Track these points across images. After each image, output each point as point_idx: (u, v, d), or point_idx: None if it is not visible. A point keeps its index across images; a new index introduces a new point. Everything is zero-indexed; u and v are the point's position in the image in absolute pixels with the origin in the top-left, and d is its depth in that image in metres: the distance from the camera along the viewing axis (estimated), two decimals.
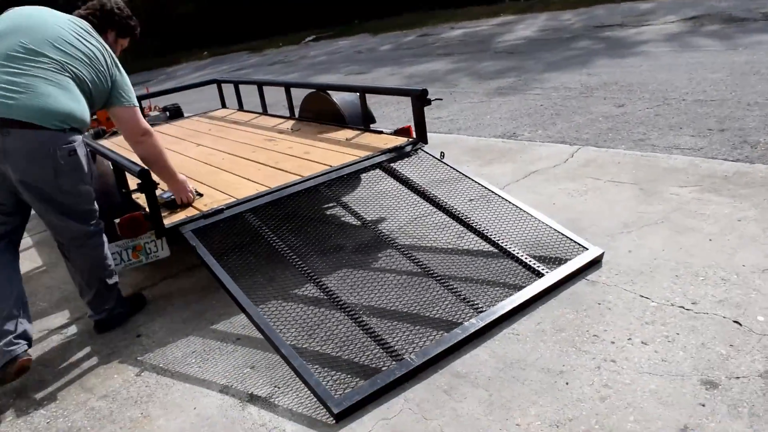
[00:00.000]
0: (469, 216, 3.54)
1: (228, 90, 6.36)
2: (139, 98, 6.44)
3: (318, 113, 5.08)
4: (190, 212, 3.38)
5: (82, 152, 2.97)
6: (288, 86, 5.35)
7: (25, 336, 2.83)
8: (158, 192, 3.15)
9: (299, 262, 3.12)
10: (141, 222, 3.28)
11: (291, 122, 5.26)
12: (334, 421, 2.33)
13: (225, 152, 4.59)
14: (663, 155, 4.52)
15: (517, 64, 8.99)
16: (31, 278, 4.16)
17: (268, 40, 17.72)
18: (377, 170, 3.88)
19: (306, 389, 2.47)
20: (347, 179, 3.87)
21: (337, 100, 4.82)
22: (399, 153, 3.96)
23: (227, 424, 2.41)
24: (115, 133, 6.28)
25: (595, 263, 3.15)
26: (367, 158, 3.88)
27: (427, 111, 6.08)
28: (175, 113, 7.25)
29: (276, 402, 2.50)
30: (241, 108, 6.29)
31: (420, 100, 3.93)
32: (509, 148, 5.21)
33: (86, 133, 3.29)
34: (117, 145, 5.35)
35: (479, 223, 3.52)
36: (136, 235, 3.33)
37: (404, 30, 15.22)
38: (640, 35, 9.56)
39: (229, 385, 2.66)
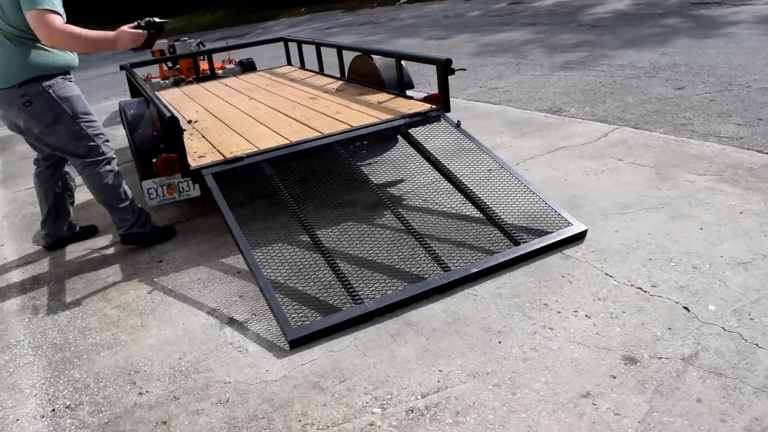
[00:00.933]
0: (468, 185, 3.70)
1: (307, 48, 6.63)
2: (217, 50, 6.96)
3: (362, 75, 5.32)
4: (214, 158, 3.76)
5: (41, 100, 3.42)
6: (339, 48, 5.59)
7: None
8: None
9: (297, 210, 3.43)
10: (175, 162, 3.69)
11: (339, 83, 5.52)
12: (288, 347, 2.65)
13: (269, 107, 4.94)
14: (696, 142, 4.43)
15: (595, 39, 8.76)
16: (90, 205, 4.73)
17: None
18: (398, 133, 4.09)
19: (275, 319, 2.80)
20: (363, 140, 4.12)
21: (379, 65, 5.03)
22: (418, 119, 4.15)
23: (203, 338, 2.80)
24: (201, 79, 6.81)
25: (576, 239, 3.25)
26: (386, 121, 4.10)
27: (486, 80, 6.27)
28: (248, 67, 7.71)
29: (249, 327, 2.85)
30: (302, 66, 6.62)
31: (444, 69, 4.07)
32: (548, 123, 5.24)
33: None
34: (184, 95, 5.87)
35: (477, 192, 3.68)
36: (170, 174, 3.76)
37: None
38: (735, 15, 9.01)
39: (216, 309, 3.04)
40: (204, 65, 7.45)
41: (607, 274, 2.90)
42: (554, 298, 2.76)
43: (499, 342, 2.52)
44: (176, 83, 7.17)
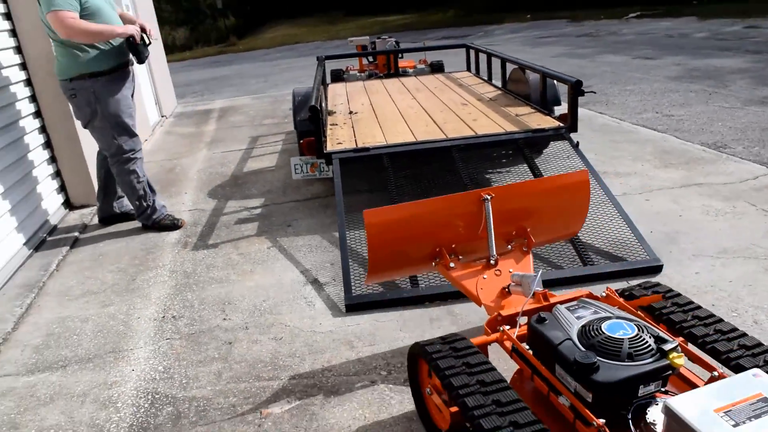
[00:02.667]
0: None
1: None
2: (405, 50, 7.58)
3: (517, 87, 5.56)
4: (348, 146, 4.35)
5: (82, 96, 3.93)
6: (503, 60, 5.86)
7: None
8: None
9: (395, 198, 3.88)
10: (315, 145, 4.36)
11: (497, 92, 5.81)
12: (344, 310, 3.14)
13: (421, 106, 5.43)
14: None
15: None
16: (261, 172, 5.65)
17: (594, 10, 17.49)
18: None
19: (354, 283, 3.30)
20: (481, 147, 4.41)
21: (531, 79, 5.23)
22: (540, 134, 4.33)
23: (288, 290, 3.40)
24: (388, 76, 7.53)
25: (649, 272, 3.25)
26: (508, 133, 4.35)
27: (667, 107, 6.27)
28: (436, 68, 8.25)
29: (325, 288, 3.39)
30: (476, 73, 6.98)
31: (574, 89, 4.20)
32: (701, 158, 5.00)
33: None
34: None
35: None
36: (313, 155, 4.45)
37: (735, 18, 13.68)
38: None
39: (308, 270, 3.62)
40: (400, 62, 8.16)
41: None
42: None
43: None
44: (369, 76, 7.94)
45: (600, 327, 1.86)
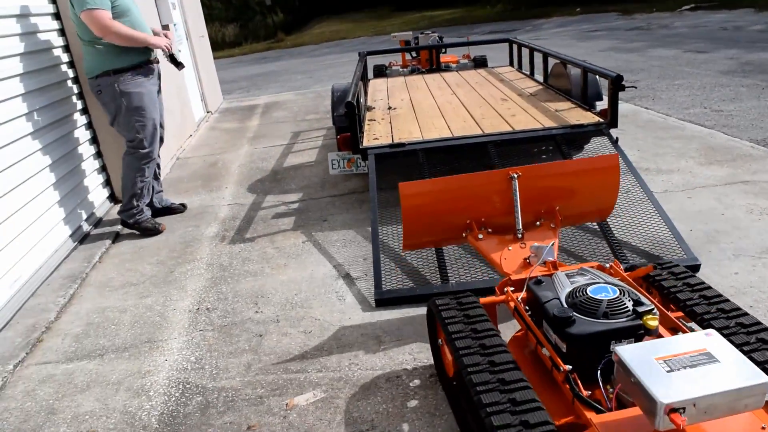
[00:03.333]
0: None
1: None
2: (446, 45, 7.53)
3: (558, 82, 5.47)
4: (385, 141, 4.35)
5: (108, 92, 4.06)
6: (545, 55, 5.76)
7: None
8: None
9: None
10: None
11: (537, 87, 5.72)
12: (374, 305, 3.16)
13: (461, 102, 5.39)
14: None
15: None
16: (301, 167, 5.72)
17: (647, 2, 17.00)
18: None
19: (385, 278, 3.32)
20: (518, 143, 4.36)
21: (571, 73, 5.13)
22: (578, 130, 4.25)
23: (319, 284, 3.44)
24: (430, 71, 7.49)
25: (692, 270, 3.14)
26: (546, 129, 4.29)
27: (717, 102, 6.13)
28: (479, 63, 8.16)
29: (356, 283, 3.42)
30: (519, 68, 6.89)
31: (614, 84, 4.11)
32: (749, 155, 4.82)
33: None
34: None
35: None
36: (350, 150, 4.47)
37: None
38: None
39: (341, 264, 3.66)
40: (443, 58, 8.12)
41: None
42: None
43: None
44: (412, 71, 7.93)
45: (585, 290, 2.08)
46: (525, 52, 6.46)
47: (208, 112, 8.61)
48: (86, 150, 4.78)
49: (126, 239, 4.43)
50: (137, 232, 4.43)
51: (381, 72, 7.90)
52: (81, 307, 3.50)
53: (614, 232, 3.57)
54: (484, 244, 2.77)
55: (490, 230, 2.85)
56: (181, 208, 4.84)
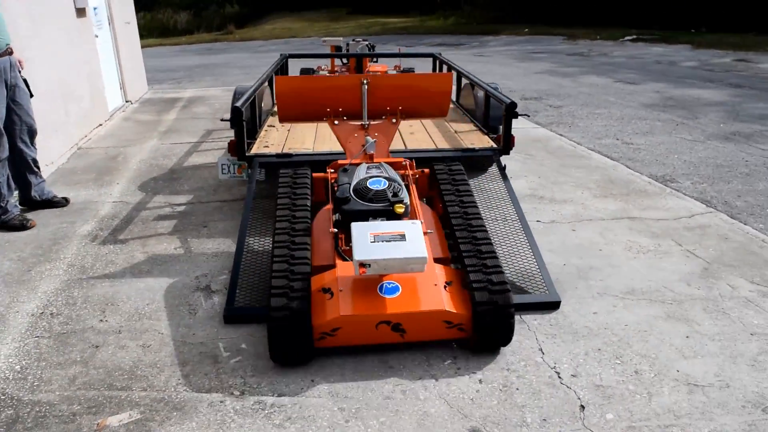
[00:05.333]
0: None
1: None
2: (370, 55, 7.45)
3: (465, 102, 5.45)
4: (276, 150, 4.22)
5: None
6: (459, 75, 5.73)
7: None
8: None
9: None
10: None
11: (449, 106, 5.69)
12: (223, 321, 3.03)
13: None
14: None
15: None
16: (200, 168, 5.52)
17: (593, 29, 17.36)
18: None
19: (240, 294, 3.18)
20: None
21: (477, 95, 5.11)
22: (469, 154, 4.22)
23: (176, 295, 3.29)
24: None
25: (546, 307, 3.14)
26: (437, 150, 4.23)
27: (630, 134, 6.21)
28: None
29: (214, 296, 3.27)
30: None
31: (507, 111, 4.09)
32: (644, 190, 4.89)
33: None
34: None
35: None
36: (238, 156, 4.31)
37: (728, 50, 13.56)
38: None
39: (206, 275, 3.51)
40: (373, 66, 8.03)
41: (540, 349, 2.80)
42: (467, 356, 2.75)
43: (381, 376, 2.62)
44: None
45: (366, 180, 2.93)
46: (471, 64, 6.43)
47: (127, 102, 8.31)
48: None
49: None
50: (6, 230, 4.17)
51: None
52: None
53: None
54: (339, 129, 3.69)
55: (345, 118, 3.70)
56: (63, 202, 4.59)
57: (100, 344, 2.87)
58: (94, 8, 7.17)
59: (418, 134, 4.65)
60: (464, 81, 5.56)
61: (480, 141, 4.44)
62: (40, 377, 2.64)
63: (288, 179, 3.34)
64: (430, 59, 7.31)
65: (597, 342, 2.85)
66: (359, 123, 3.66)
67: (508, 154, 4.25)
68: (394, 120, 3.70)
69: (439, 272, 2.77)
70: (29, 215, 4.35)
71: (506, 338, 2.69)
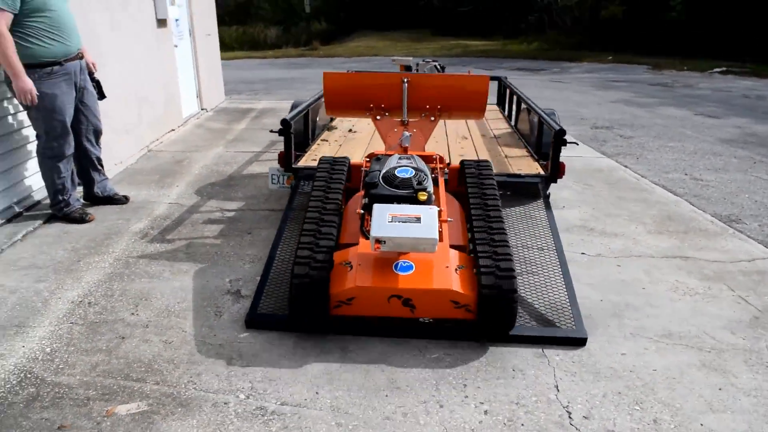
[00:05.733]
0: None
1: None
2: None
3: (523, 127, 5.37)
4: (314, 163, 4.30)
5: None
6: (518, 99, 5.67)
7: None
8: None
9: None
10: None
11: (506, 130, 5.63)
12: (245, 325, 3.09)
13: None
14: None
15: None
16: (257, 176, 5.69)
17: (680, 59, 16.69)
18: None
19: (265, 301, 3.24)
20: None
21: (533, 120, 5.03)
22: (513, 179, 4.14)
23: (205, 296, 3.39)
24: None
25: (572, 343, 3.02)
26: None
27: (701, 170, 6.02)
28: None
29: (242, 301, 3.35)
30: (501, 107, 6.78)
31: (556, 138, 4.01)
32: (704, 229, 4.63)
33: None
34: None
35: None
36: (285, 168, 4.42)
37: None
38: None
39: (238, 279, 3.60)
40: None
41: (555, 386, 2.70)
42: (478, 384, 2.69)
43: (386, 395, 2.60)
44: None
45: (395, 169, 3.12)
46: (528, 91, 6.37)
47: (202, 109, 8.69)
48: (21, 136, 4.63)
49: (58, 222, 4.45)
50: (66, 221, 4.44)
51: None
52: None
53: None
54: (380, 123, 4.00)
55: (387, 114, 4.00)
56: (123, 200, 4.85)
57: (127, 336, 3.00)
58: (176, 20, 7.57)
59: (468, 156, 4.62)
60: (523, 105, 5.47)
61: (528, 167, 4.36)
62: (66, 361, 2.79)
63: (327, 165, 3.63)
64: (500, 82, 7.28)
65: (618, 384, 2.72)
66: (399, 119, 3.95)
67: (555, 182, 4.15)
68: (432, 118, 3.98)
69: (453, 256, 2.95)
70: (90, 210, 4.62)
71: (509, 323, 2.86)
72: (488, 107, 6.89)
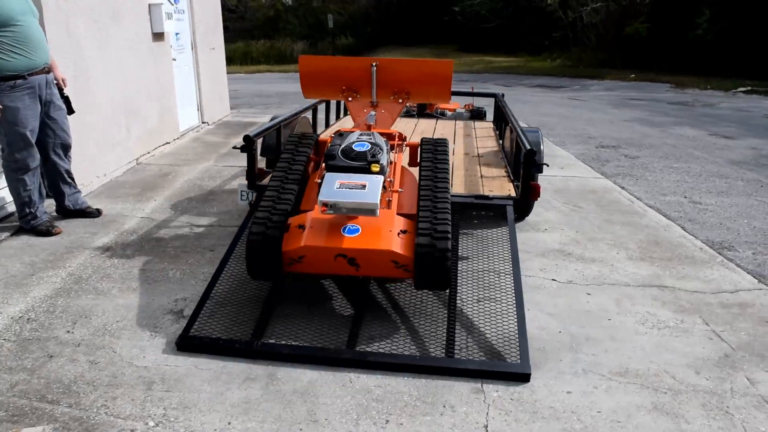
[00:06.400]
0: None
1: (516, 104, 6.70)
2: (475, 94, 7.31)
3: (507, 145, 5.19)
4: None
5: None
6: (507, 119, 5.48)
7: None
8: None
9: None
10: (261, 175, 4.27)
11: (492, 149, 5.46)
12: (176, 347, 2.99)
13: None
14: None
15: None
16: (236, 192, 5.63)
17: (704, 78, 16.24)
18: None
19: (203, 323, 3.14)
20: None
21: (513, 138, 4.85)
22: (481, 201, 3.98)
23: (146, 315, 3.31)
24: (423, 115, 7.27)
25: (516, 378, 2.84)
26: (457, 195, 4.00)
27: (702, 193, 5.82)
28: (476, 115, 7.90)
29: (181, 322, 3.25)
30: (496, 124, 6.62)
31: (527, 158, 3.84)
32: (691, 256, 4.40)
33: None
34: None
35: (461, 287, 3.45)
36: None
37: None
38: None
39: (184, 299, 3.51)
40: (443, 104, 7.91)
41: (485, 426, 2.53)
42: (402, 420, 2.54)
43: (300, 429, 2.47)
44: (406, 113, 7.75)
45: (353, 143, 3.31)
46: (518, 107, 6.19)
47: (203, 123, 8.70)
48: None
49: (25, 234, 4.43)
50: (33, 234, 4.42)
51: None
52: None
53: (467, 312, 3.30)
54: (352, 105, 4.28)
55: (358, 96, 4.26)
56: (95, 213, 4.82)
57: (55, 355, 2.93)
58: (176, 33, 7.61)
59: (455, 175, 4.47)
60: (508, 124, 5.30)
61: (501, 188, 4.18)
62: None
63: (295, 139, 3.90)
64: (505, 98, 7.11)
65: (555, 427, 2.53)
66: (369, 100, 4.23)
67: (527, 205, 3.97)
68: (401, 100, 4.23)
69: (397, 221, 3.17)
70: (61, 223, 4.59)
71: (443, 282, 3.02)
72: (484, 125, 6.81)
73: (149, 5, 6.65)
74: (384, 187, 3.12)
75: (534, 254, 4.36)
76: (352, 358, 2.89)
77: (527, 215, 5.02)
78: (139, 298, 3.50)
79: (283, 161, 3.66)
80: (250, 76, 20.22)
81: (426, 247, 2.94)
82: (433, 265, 2.93)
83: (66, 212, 4.72)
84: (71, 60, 5.10)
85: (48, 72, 4.25)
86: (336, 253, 3.01)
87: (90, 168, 5.48)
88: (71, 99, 4.58)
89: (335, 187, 3.02)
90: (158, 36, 6.89)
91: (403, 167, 3.83)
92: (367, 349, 3.00)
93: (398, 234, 3.09)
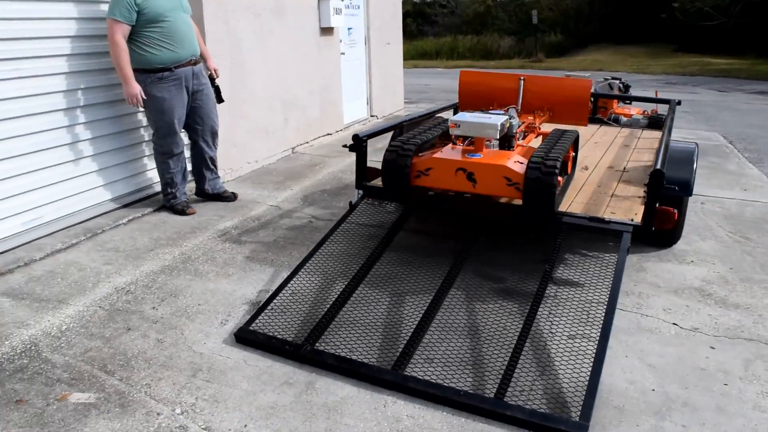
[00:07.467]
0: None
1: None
2: (644, 99, 6.64)
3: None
4: None
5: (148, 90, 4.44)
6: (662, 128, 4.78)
7: None
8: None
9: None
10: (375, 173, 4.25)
11: (645, 163, 4.80)
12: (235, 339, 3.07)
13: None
14: None
15: None
16: None
17: None
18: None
19: (267, 318, 3.19)
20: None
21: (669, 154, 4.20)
22: (594, 224, 3.49)
23: (226, 303, 3.44)
24: (596, 121, 6.69)
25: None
26: (563, 213, 3.59)
27: None
28: (655, 122, 7.04)
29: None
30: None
31: (653, 180, 3.31)
32: None
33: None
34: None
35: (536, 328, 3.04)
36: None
37: None
38: None
39: (269, 291, 3.59)
40: (620, 109, 7.20)
41: None
42: None
43: None
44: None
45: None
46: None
47: (372, 116, 8.89)
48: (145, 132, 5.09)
49: (164, 211, 4.87)
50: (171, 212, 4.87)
51: None
52: (65, 256, 4.02)
53: (550, 348, 2.92)
54: None
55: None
56: (231, 197, 5.15)
57: (132, 328, 3.16)
58: (349, 28, 7.84)
59: (576, 193, 4.01)
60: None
61: (627, 211, 3.64)
62: (69, 342, 3.03)
63: (440, 119, 4.38)
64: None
65: None
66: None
67: (648, 233, 3.40)
68: (542, 114, 4.50)
69: (515, 154, 3.54)
70: (199, 205, 4.99)
71: (548, 210, 3.30)
72: (652, 135, 6.01)
73: (318, 0, 6.93)
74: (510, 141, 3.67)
75: (664, 290, 3.74)
76: (392, 380, 2.70)
77: (674, 243, 4.35)
78: (228, 285, 3.65)
79: (423, 126, 4.14)
80: (448, 71, 20.34)
81: (534, 173, 3.24)
82: (538, 193, 3.24)
83: (205, 195, 5.11)
84: (228, 52, 5.50)
85: (195, 64, 4.62)
86: (457, 167, 3.43)
87: (240, 154, 5.87)
88: (223, 89, 4.92)
89: (468, 116, 3.60)
90: (326, 30, 7.16)
91: (530, 147, 4.02)
92: (414, 371, 2.79)
93: (512, 160, 3.46)
